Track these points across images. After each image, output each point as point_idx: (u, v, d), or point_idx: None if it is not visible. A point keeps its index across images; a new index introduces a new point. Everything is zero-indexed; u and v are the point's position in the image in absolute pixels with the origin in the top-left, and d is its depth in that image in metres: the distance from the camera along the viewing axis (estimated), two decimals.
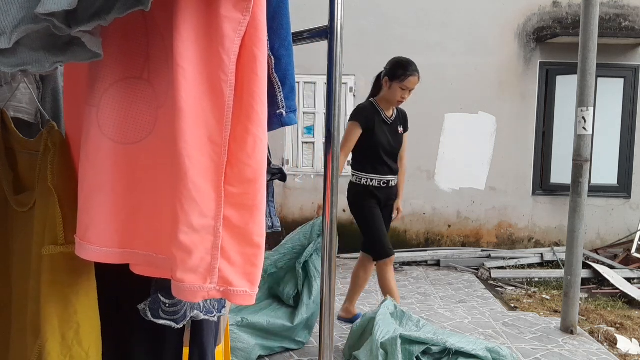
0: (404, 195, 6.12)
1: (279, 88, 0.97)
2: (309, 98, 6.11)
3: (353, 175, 3.40)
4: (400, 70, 3.18)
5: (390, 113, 3.34)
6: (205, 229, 0.80)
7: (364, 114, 3.24)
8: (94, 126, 0.88)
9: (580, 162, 3.54)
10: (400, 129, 3.41)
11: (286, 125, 0.99)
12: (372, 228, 3.30)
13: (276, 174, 1.39)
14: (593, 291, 4.77)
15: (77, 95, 0.98)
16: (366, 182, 3.32)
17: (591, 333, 3.58)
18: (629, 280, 4.91)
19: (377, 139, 3.24)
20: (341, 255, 5.60)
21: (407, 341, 2.44)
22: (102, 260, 0.90)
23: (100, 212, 0.89)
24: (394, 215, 3.51)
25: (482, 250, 5.90)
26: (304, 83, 6.00)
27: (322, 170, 1.17)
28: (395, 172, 3.38)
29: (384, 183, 3.34)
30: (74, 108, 1.00)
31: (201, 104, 0.79)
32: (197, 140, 0.79)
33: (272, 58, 0.96)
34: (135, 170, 0.90)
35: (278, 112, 0.98)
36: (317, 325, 3.16)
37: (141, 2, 0.69)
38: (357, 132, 3.21)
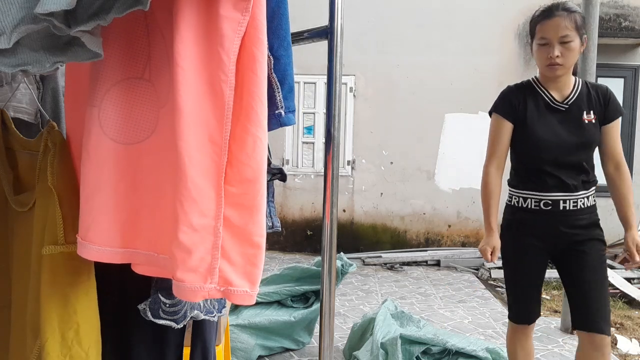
0: (404, 195, 6.19)
1: (277, 88, 0.97)
2: (309, 98, 6.12)
3: (508, 193, 2.19)
4: (531, 25, 2.10)
5: (566, 93, 2.07)
6: (205, 228, 0.81)
7: (507, 99, 2.12)
8: (95, 126, 0.88)
9: None
10: (590, 116, 2.08)
11: (285, 125, 0.99)
12: (511, 281, 2.19)
13: (276, 174, 1.39)
14: None
15: (78, 96, 0.98)
16: (517, 202, 2.10)
17: None
18: (629, 280, 4.91)
19: (531, 132, 2.04)
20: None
21: (408, 341, 2.44)
22: (104, 260, 0.90)
23: (102, 212, 0.89)
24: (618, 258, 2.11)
25: None
26: (304, 83, 6.00)
27: (322, 170, 1.17)
28: (576, 187, 2.04)
29: (547, 204, 2.03)
30: (75, 108, 1.01)
31: (201, 104, 0.80)
32: (197, 140, 0.79)
33: (271, 58, 0.96)
34: (137, 170, 0.90)
35: (277, 112, 0.98)
36: (317, 325, 3.16)
37: (140, 1, 0.69)
38: (504, 128, 2.10)
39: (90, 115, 0.88)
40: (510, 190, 2.17)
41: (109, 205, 0.89)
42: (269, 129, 0.97)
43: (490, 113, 2.17)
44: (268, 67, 0.96)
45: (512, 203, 2.14)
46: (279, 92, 0.97)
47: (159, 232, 0.88)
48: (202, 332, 1.19)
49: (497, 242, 2.10)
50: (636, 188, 6.11)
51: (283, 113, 0.99)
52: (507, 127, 2.10)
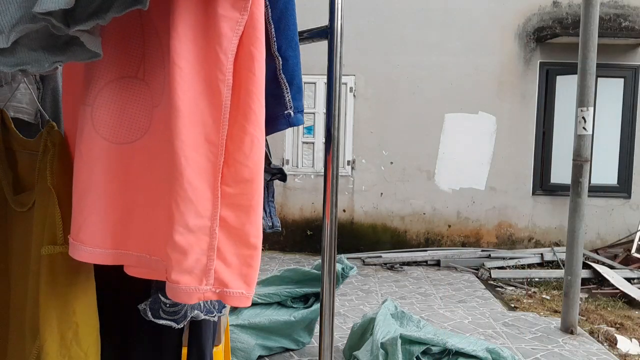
0: (404, 195, 6.20)
1: (286, 89, 0.97)
2: (309, 98, 6.11)
3: None
4: None
5: None
6: (201, 229, 0.79)
7: None
8: (88, 125, 0.87)
9: (580, 162, 3.54)
10: None
11: (294, 125, 0.99)
12: None
13: (276, 174, 1.39)
14: (593, 291, 4.77)
15: (75, 95, 0.98)
16: None
17: (591, 333, 3.58)
18: (629, 280, 4.90)
19: None
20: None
21: (408, 341, 2.43)
22: (95, 261, 0.89)
23: (93, 213, 0.88)
24: None
25: (482, 250, 5.90)
26: (304, 83, 5.98)
27: (322, 170, 1.17)
28: None
29: None
30: (72, 108, 1.00)
31: (198, 103, 0.79)
32: (194, 139, 0.78)
33: (279, 59, 0.95)
34: (129, 171, 0.89)
35: (286, 112, 0.97)
36: (317, 326, 3.16)
37: (139, 0, 0.69)
38: None
39: (83, 114, 0.88)
40: None
41: (100, 206, 0.88)
42: (278, 130, 0.97)
43: None
44: (277, 67, 0.96)
45: None
46: (287, 92, 0.97)
47: (151, 233, 0.87)
48: (197, 333, 1.19)
49: None
50: (636, 187, 6.11)
51: (292, 113, 0.98)
52: None
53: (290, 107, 0.98)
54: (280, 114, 0.98)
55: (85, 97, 0.88)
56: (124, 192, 0.89)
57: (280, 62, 0.96)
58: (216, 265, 0.81)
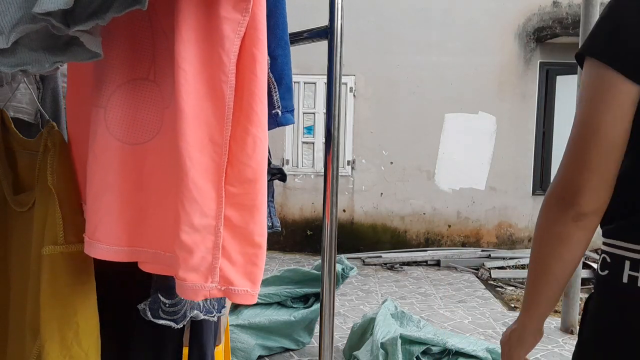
0: (404, 195, 6.20)
1: (274, 88, 0.97)
2: (309, 98, 6.11)
3: (603, 249, 0.92)
4: None
5: None
6: (206, 228, 0.81)
7: (627, 27, 0.77)
8: (101, 127, 0.89)
9: None
10: None
11: (282, 125, 0.99)
12: None
13: (276, 174, 1.39)
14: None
15: (82, 97, 0.99)
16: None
17: None
18: None
19: None
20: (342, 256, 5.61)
21: (408, 341, 2.44)
22: (111, 258, 0.91)
23: (108, 211, 0.90)
24: None
25: (482, 250, 5.90)
26: (304, 83, 5.99)
27: (322, 170, 1.17)
28: None
29: None
30: (78, 109, 1.01)
31: (202, 104, 0.80)
32: (198, 140, 0.80)
33: (268, 57, 0.96)
34: (142, 170, 0.91)
35: (274, 111, 0.98)
36: (317, 325, 3.16)
37: (138, 1, 0.69)
38: (619, 98, 0.78)
39: (96, 116, 0.89)
40: (612, 243, 0.90)
41: (116, 205, 0.90)
42: (267, 129, 0.98)
43: (579, 58, 0.85)
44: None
45: (626, 281, 0.84)
46: (275, 92, 0.98)
47: (165, 230, 0.89)
48: (198, 333, 1.19)
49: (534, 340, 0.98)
50: None
51: (280, 113, 0.99)
52: (627, 97, 0.79)
53: (279, 107, 0.99)
54: (268, 113, 0.98)
55: (98, 99, 0.89)
56: (138, 191, 0.91)
57: (269, 61, 0.96)
58: (221, 263, 0.83)
